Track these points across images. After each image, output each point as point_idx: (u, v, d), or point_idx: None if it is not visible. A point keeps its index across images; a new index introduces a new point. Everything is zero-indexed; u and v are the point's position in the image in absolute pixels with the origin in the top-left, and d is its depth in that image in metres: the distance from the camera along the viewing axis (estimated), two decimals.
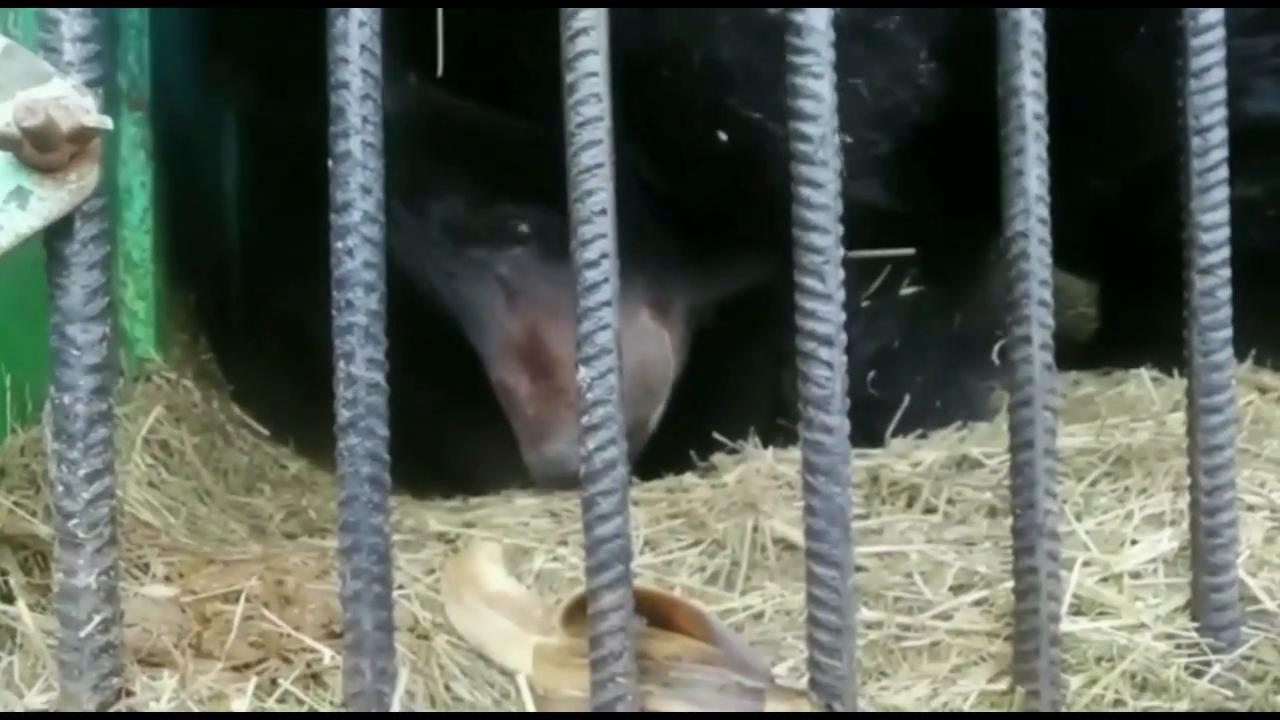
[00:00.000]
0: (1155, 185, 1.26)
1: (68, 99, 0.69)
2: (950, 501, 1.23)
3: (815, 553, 0.84)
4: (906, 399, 1.54)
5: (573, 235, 0.81)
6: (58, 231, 0.72)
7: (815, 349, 0.84)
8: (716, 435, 1.42)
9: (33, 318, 1.18)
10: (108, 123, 0.69)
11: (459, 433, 1.68)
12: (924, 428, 1.53)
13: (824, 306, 0.84)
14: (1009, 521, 0.91)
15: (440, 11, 1.28)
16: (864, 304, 1.57)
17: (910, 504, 1.24)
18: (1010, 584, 0.92)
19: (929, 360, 1.65)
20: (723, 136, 1.39)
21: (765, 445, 1.42)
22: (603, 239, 0.81)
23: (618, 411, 0.81)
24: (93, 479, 0.73)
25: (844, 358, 0.85)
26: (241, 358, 1.99)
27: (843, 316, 0.85)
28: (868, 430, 1.44)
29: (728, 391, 1.63)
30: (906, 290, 1.63)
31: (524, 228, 1.55)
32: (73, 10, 0.73)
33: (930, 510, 1.22)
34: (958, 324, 1.72)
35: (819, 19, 0.85)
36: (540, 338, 1.52)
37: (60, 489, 0.72)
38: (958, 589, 1.05)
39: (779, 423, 1.52)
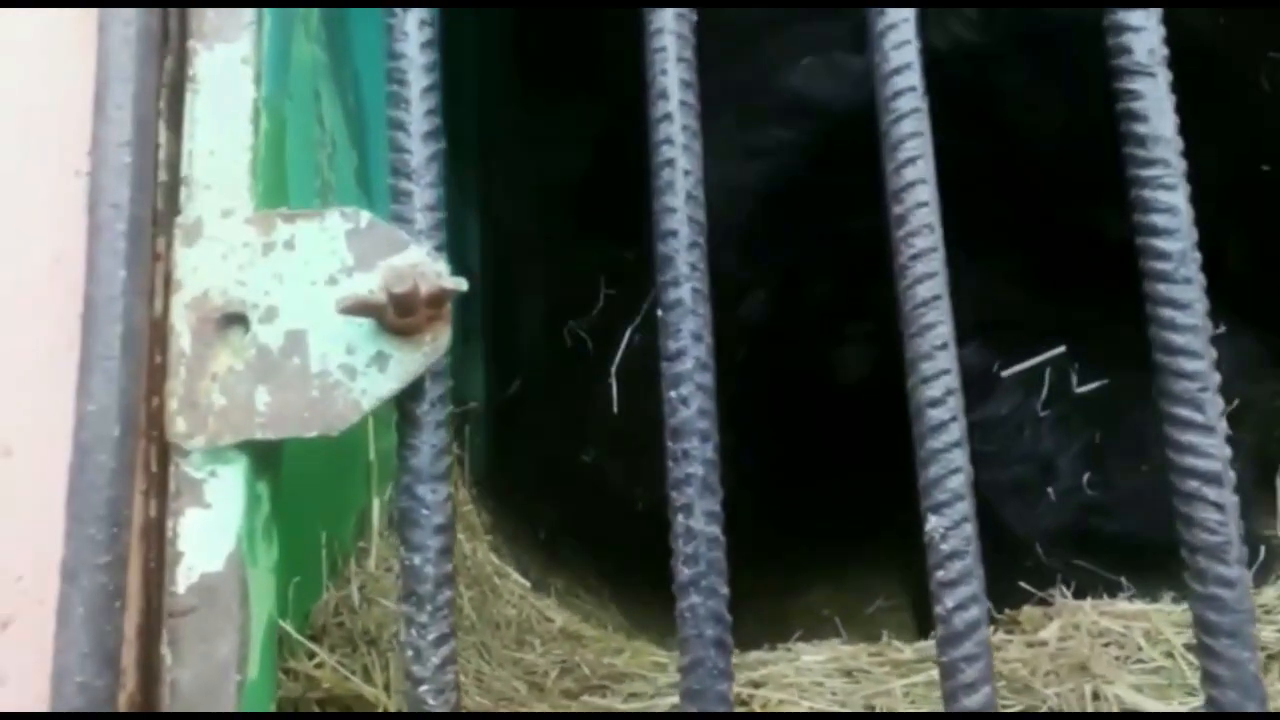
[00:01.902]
0: None
1: (424, 265, 0.72)
2: None
3: None
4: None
5: (911, 371, 0.76)
6: (409, 392, 0.74)
7: (1199, 488, 0.74)
8: (1022, 584, 1.29)
9: (339, 479, 1.23)
10: (463, 284, 0.71)
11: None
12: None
13: (1206, 440, 0.74)
14: None
15: None
16: (1042, 415, 1.47)
17: None
18: None
19: (1154, 456, 1.50)
20: None
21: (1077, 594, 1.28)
22: (947, 375, 0.75)
23: (976, 564, 0.73)
24: (440, 643, 0.71)
25: (1235, 497, 0.74)
26: (487, 509, 2.04)
27: (1228, 451, 0.75)
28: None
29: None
30: (1085, 388, 1.51)
31: None
32: (423, 182, 0.76)
33: None
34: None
35: (1165, 127, 0.78)
36: None
37: (410, 653, 0.71)
38: None
39: (1076, 563, 1.38)
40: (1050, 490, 1.48)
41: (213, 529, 0.70)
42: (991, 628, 1.32)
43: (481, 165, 2.95)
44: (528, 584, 1.82)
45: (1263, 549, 1.36)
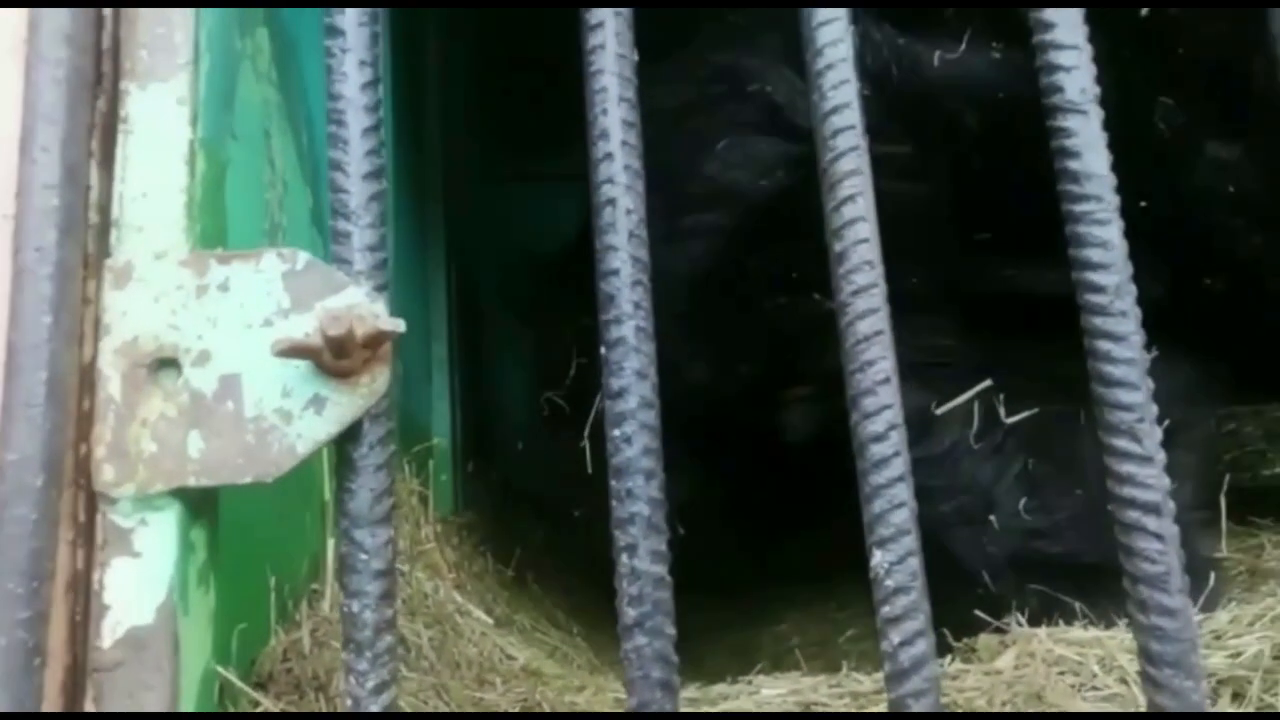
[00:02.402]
0: None
1: (361, 306, 0.71)
2: None
3: None
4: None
5: (854, 408, 0.76)
6: (348, 435, 0.72)
7: (1139, 519, 0.74)
8: (978, 613, 1.29)
9: (290, 519, 1.20)
10: (400, 325, 0.70)
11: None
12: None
13: (1144, 470, 0.75)
14: None
15: None
16: (975, 446, 1.51)
17: (1238, 701, 1.06)
18: None
19: (1090, 482, 1.52)
20: None
21: (1031, 620, 1.28)
22: (889, 410, 0.75)
23: (923, 599, 0.73)
24: (380, 690, 0.70)
25: (1175, 528, 0.74)
26: (451, 548, 2.03)
27: (1167, 481, 0.75)
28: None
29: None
30: (1014, 417, 1.56)
31: None
32: (362, 223, 0.76)
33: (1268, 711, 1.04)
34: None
35: (1098, 163, 0.80)
36: None
37: (349, 702, 0.70)
38: None
39: (1027, 588, 1.39)
40: (993, 519, 1.50)
41: (142, 579, 0.69)
42: (949, 657, 1.32)
43: (446, 193, 2.95)
44: (490, 621, 1.80)
45: (1213, 574, 1.37)
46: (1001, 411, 1.52)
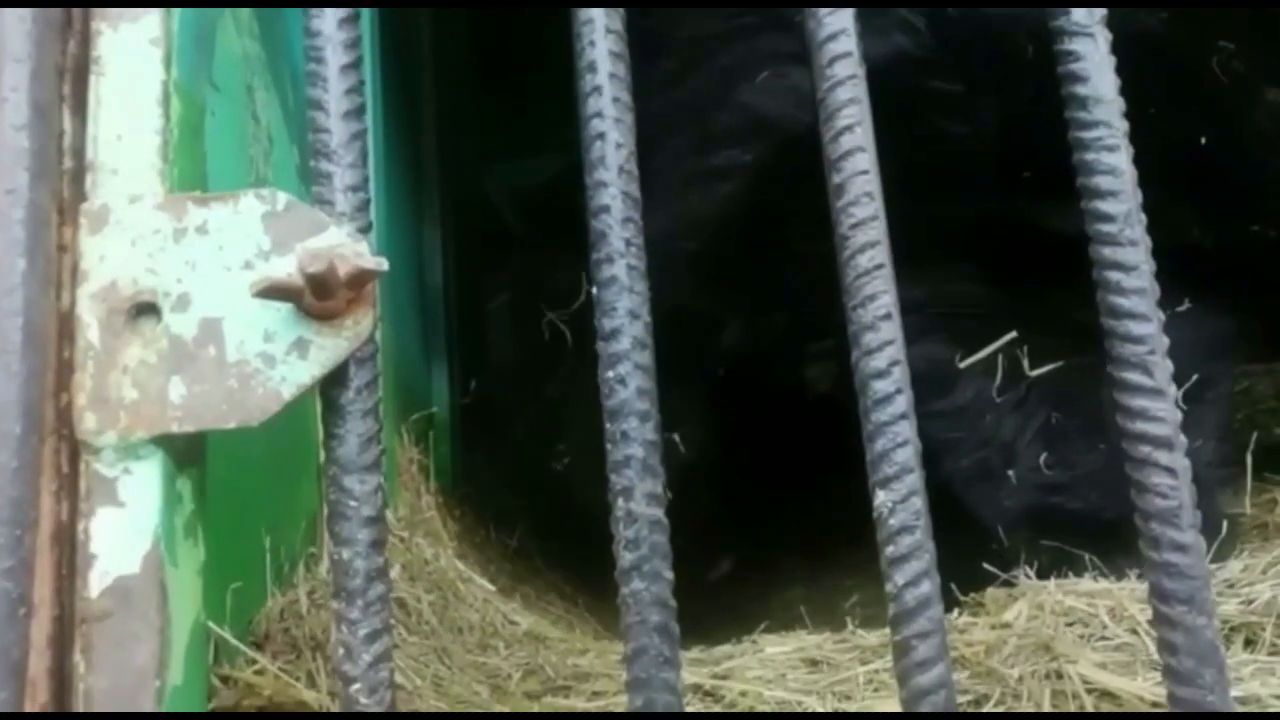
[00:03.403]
0: None
1: (344, 246, 0.69)
2: None
3: (1184, 700, 0.69)
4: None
5: (855, 345, 0.73)
6: (333, 379, 0.70)
7: (1151, 453, 0.72)
8: (987, 567, 1.27)
9: (285, 482, 1.19)
10: (383, 264, 0.68)
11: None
12: None
13: (1155, 404, 0.72)
14: None
15: None
16: (998, 400, 1.48)
17: (1250, 647, 1.04)
18: None
19: (1113, 436, 1.50)
20: None
21: (1040, 575, 1.26)
22: (890, 346, 0.72)
23: (927, 539, 0.71)
24: (373, 639, 0.68)
25: (1186, 461, 0.72)
26: (454, 519, 2.01)
27: (1178, 414, 0.73)
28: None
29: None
30: (1038, 370, 1.53)
31: None
32: (344, 162, 0.73)
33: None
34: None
35: (1106, 88, 0.77)
36: None
37: (341, 651, 0.68)
38: None
39: (1040, 543, 1.37)
40: (1011, 473, 1.48)
41: (127, 529, 0.67)
42: (956, 610, 1.31)
43: (442, 174, 2.91)
44: (493, 588, 1.79)
45: (1224, 524, 1.35)
46: (1025, 364, 1.49)
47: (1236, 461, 1.65)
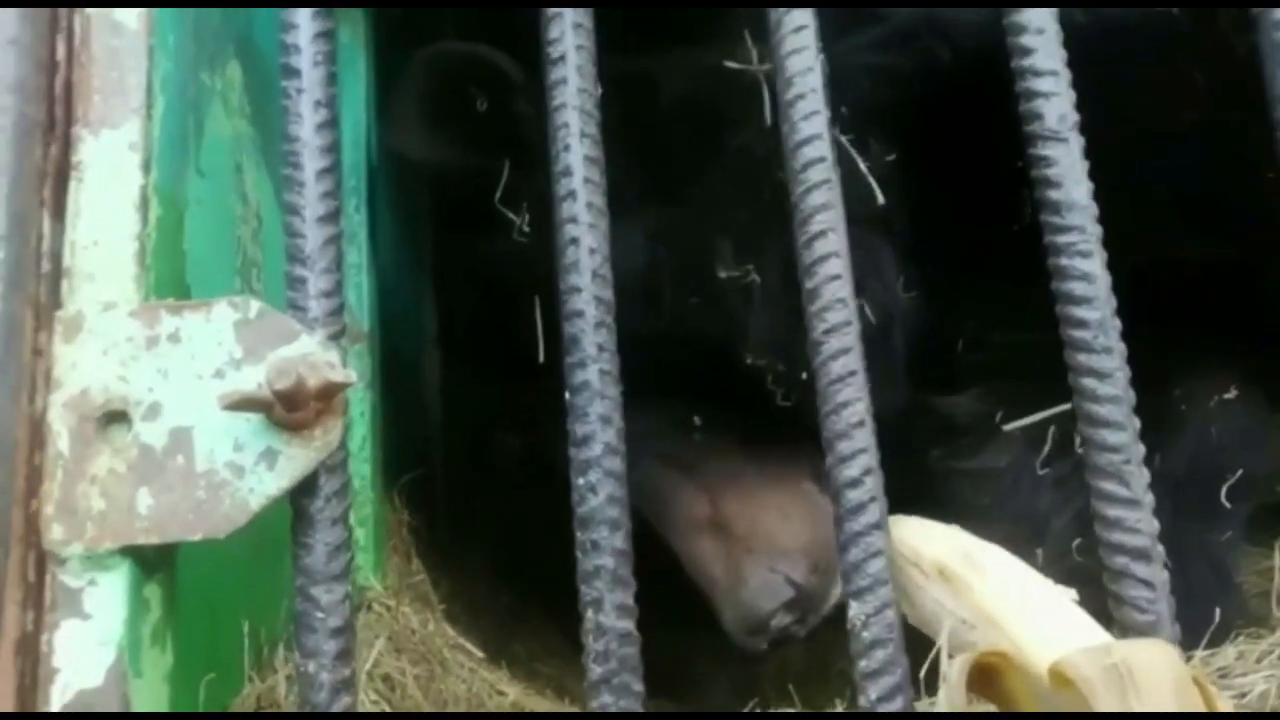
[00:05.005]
0: None
1: (314, 356, 0.69)
2: None
3: None
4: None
5: (829, 451, 0.73)
6: (302, 488, 0.70)
7: (1128, 565, 0.71)
8: None
9: (267, 563, 1.18)
10: (353, 377, 0.68)
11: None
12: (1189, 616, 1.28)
13: (1131, 514, 0.72)
14: None
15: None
16: (1041, 472, 1.39)
17: None
18: None
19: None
20: None
21: None
22: (864, 454, 0.72)
23: (899, 653, 0.70)
24: None
25: (1165, 574, 0.72)
26: (448, 576, 1.98)
27: (1156, 525, 0.72)
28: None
29: None
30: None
31: (697, 420, 1.51)
32: (318, 268, 0.74)
33: None
34: (1158, 465, 1.47)
35: (1079, 193, 0.77)
36: (720, 504, 1.45)
37: None
38: None
39: None
40: (1039, 552, 1.39)
41: (91, 641, 0.67)
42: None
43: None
44: (482, 655, 1.76)
45: (1218, 611, 1.31)
46: (1078, 439, 1.39)
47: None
